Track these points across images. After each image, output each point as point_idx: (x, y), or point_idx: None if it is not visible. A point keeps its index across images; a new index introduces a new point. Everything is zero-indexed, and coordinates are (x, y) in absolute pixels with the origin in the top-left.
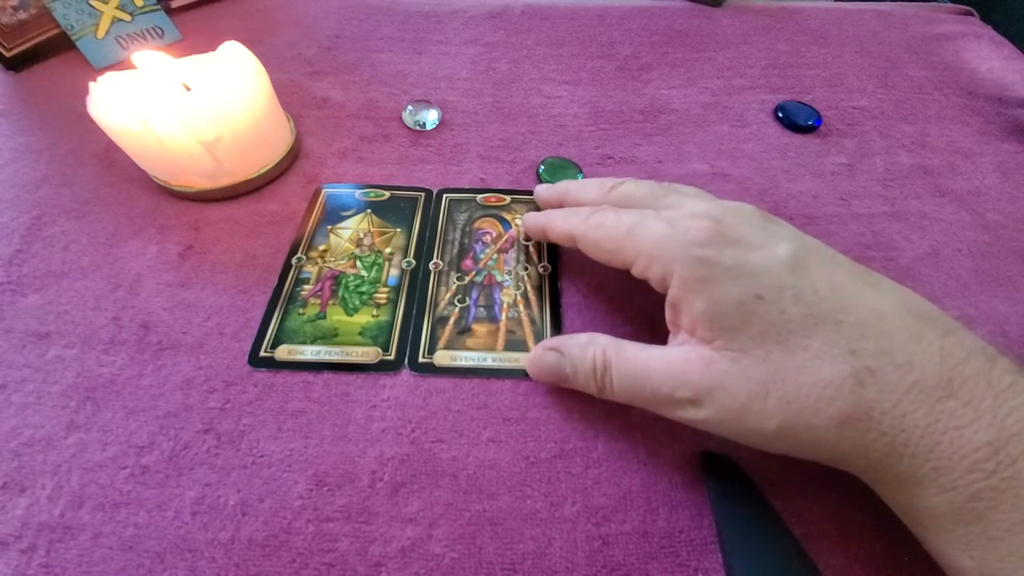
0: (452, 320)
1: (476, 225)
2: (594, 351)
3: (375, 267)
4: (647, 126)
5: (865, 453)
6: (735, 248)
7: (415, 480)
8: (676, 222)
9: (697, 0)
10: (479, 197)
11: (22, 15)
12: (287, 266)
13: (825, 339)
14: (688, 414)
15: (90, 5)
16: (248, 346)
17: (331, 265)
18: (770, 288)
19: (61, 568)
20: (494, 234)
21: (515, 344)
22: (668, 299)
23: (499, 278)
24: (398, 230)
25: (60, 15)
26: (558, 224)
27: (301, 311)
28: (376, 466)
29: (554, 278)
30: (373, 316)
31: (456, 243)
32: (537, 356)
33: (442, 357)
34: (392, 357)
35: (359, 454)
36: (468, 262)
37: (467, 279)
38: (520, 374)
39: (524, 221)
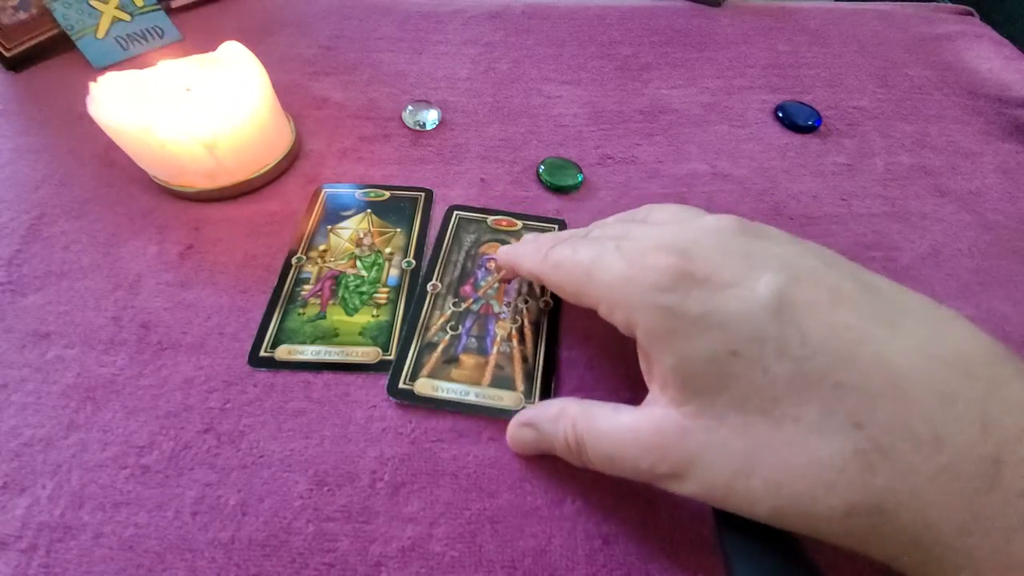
0: (441, 347)
1: (482, 249)
2: (564, 428)
3: (375, 267)
4: (647, 126)
5: (881, 546)
6: (703, 290)
7: (415, 479)
8: (635, 259)
9: (697, 0)
10: (490, 219)
11: (22, 15)
12: (287, 266)
13: (821, 406)
14: (674, 487)
15: (90, 5)
16: (248, 346)
17: (331, 265)
18: (748, 341)
19: (61, 568)
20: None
21: (502, 381)
22: (638, 347)
23: (496, 308)
24: (398, 230)
25: (60, 15)
26: (523, 262)
27: (301, 311)
28: (376, 466)
29: (555, 314)
30: (373, 316)
31: (459, 265)
32: (514, 432)
33: (423, 386)
34: (392, 357)
35: (359, 454)
36: (467, 288)
37: (463, 306)
38: (500, 414)
39: (498, 255)
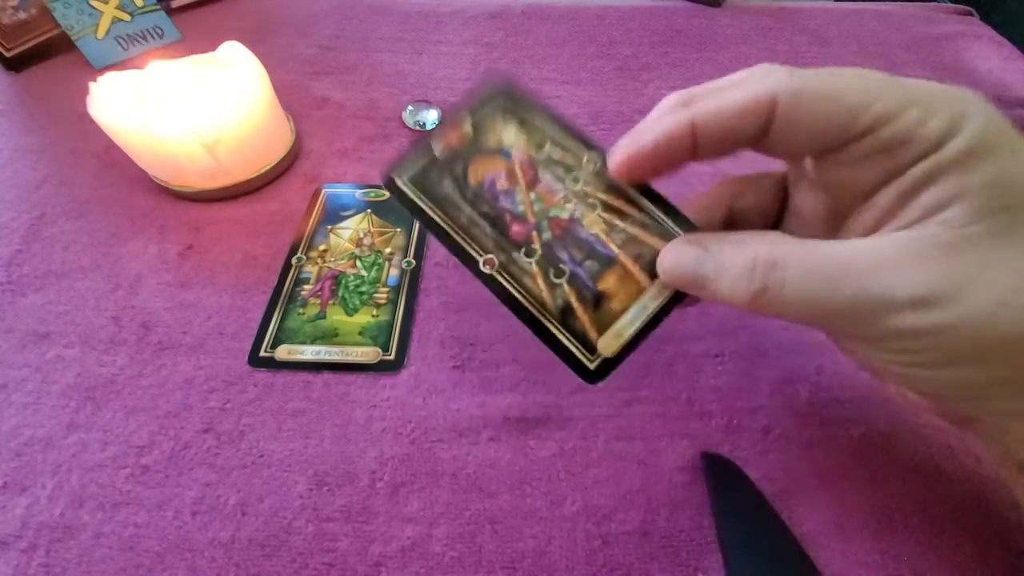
0: (575, 301)
1: (473, 178)
2: (756, 246)
3: (375, 267)
4: None
5: None
6: None
7: (415, 480)
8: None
9: (697, 0)
10: (437, 144)
11: (22, 15)
12: (287, 266)
13: None
14: (908, 320)
15: (90, 5)
16: (248, 346)
17: (331, 265)
18: None
19: (61, 568)
20: (502, 175)
21: (652, 262)
22: (919, 169)
23: (565, 214)
24: (398, 230)
25: (60, 15)
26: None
27: (301, 311)
28: (376, 466)
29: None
30: (373, 316)
31: (480, 219)
32: (673, 252)
33: (607, 345)
34: (392, 357)
35: (359, 454)
36: (515, 226)
37: (535, 247)
38: (694, 285)
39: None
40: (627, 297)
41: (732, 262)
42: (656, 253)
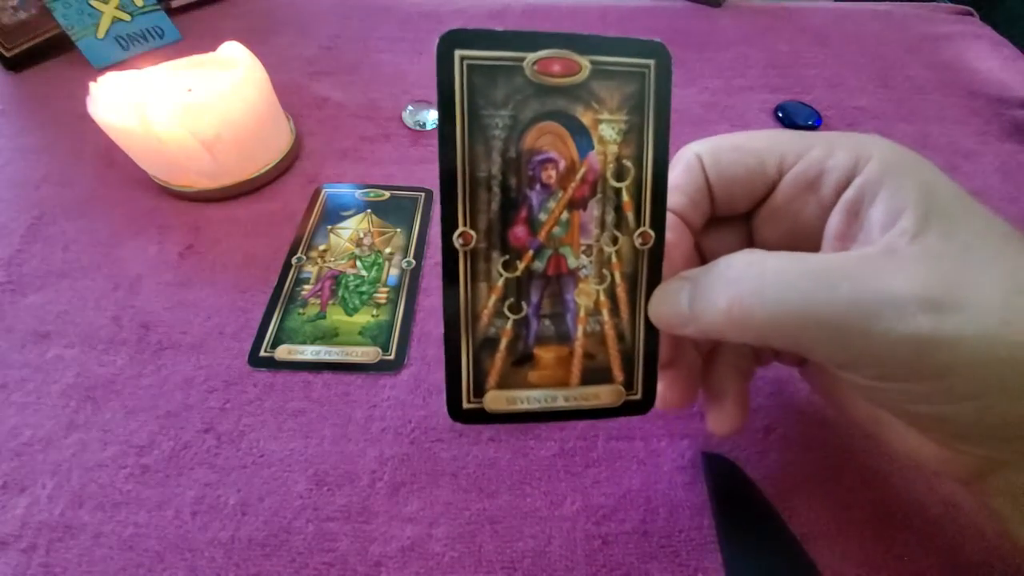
0: (504, 343)
1: (530, 142)
2: (729, 259)
3: (375, 267)
4: None
5: None
6: None
7: (415, 479)
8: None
9: (697, 0)
10: (530, 61)
11: (22, 15)
12: (287, 266)
13: None
14: (924, 324)
15: (90, 5)
16: (248, 346)
17: (331, 265)
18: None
19: (61, 567)
20: (561, 164)
21: (595, 374)
22: (850, 193)
23: (572, 262)
24: (398, 230)
25: (60, 15)
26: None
27: (301, 311)
28: (376, 466)
29: (657, 256)
30: (373, 316)
31: (497, 185)
32: (660, 292)
33: (496, 400)
34: (392, 357)
35: (359, 454)
36: (520, 229)
37: (520, 266)
38: (595, 415)
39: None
40: (549, 379)
41: (704, 284)
42: (605, 368)
